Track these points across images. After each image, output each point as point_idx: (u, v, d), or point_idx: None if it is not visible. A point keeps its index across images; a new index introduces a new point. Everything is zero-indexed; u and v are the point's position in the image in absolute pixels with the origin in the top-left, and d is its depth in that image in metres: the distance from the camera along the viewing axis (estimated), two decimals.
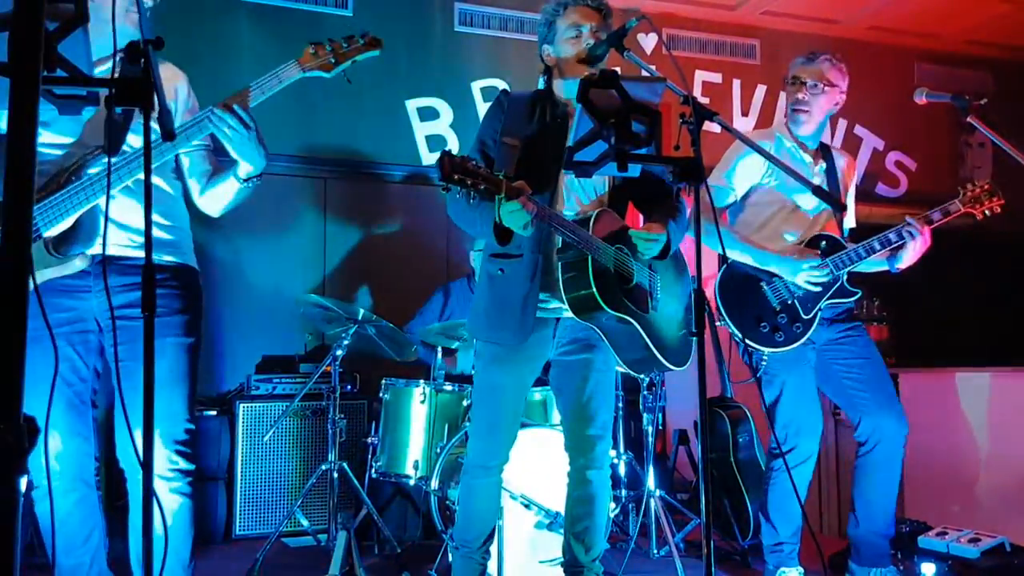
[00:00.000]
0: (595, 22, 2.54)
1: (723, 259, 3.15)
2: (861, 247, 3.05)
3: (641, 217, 2.73)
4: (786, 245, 3.09)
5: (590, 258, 2.37)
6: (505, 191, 2.17)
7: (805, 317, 3.01)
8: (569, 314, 2.45)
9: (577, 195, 2.56)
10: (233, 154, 2.24)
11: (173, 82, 2.37)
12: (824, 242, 3.08)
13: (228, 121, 2.14)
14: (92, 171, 2.12)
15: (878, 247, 3.05)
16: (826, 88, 3.10)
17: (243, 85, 2.20)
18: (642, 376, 3.86)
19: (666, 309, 2.64)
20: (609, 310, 2.39)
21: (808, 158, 3.16)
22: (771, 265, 3.05)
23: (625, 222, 2.58)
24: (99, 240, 2.17)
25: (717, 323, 3.06)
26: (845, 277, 3.07)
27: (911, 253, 3.05)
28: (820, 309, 3.04)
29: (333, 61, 2.26)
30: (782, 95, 5.78)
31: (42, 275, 2.11)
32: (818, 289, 3.02)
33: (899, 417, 3.04)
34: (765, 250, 3.05)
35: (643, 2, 5.39)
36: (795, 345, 3.00)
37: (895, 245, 3.05)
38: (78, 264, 2.13)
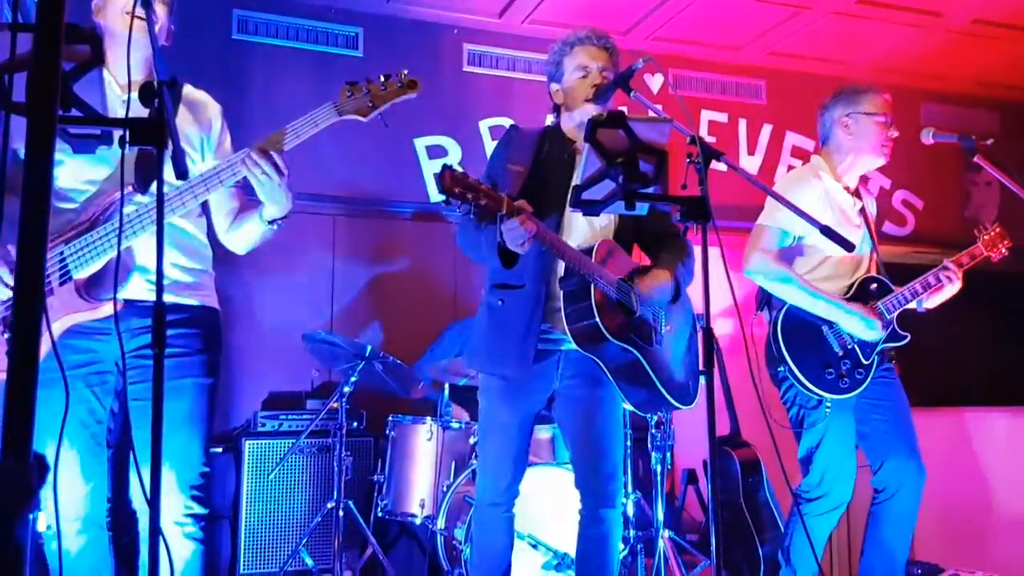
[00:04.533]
0: (602, 61, 2.58)
1: (763, 301, 3.11)
2: (907, 291, 3.06)
3: (647, 258, 2.73)
4: (834, 289, 3.05)
5: (592, 286, 2.35)
6: (506, 207, 2.16)
7: (865, 362, 2.99)
8: (572, 346, 2.44)
9: (581, 229, 2.57)
10: (261, 197, 2.22)
11: (207, 112, 2.37)
12: (875, 284, 3.08)
13: (263, 167, 2.12)
14: (127, 210, 2.08)
15: (921, 290, 3.07)
16: None
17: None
18: (650, 414, 3.84)
19: (671, 347, 2.63)
20: (612, 339, 2.36)
21: (851, 199, 3.15)
22: (840, 316, 2.98)
23: (629, 256, 2.58)
24: (130, 284, 2.15)
25: (779, 368, 2.99)
26: (895, 320, 3.06)
27: (944, 295, 3.10)
28: (878, 353, 3.03)
29: (370, 105, 2.22)
30: (789, 134, 5.79)
31: (73, 319, 2.08)
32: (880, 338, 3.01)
33: (920, 465, 3.01)
34: (835, 300, 2.98)
35: (650, 44, 5.46)
36: (858, 391, 2.97)
37: (934, 288, 3.07)
38: (110, 309, 2.08)
